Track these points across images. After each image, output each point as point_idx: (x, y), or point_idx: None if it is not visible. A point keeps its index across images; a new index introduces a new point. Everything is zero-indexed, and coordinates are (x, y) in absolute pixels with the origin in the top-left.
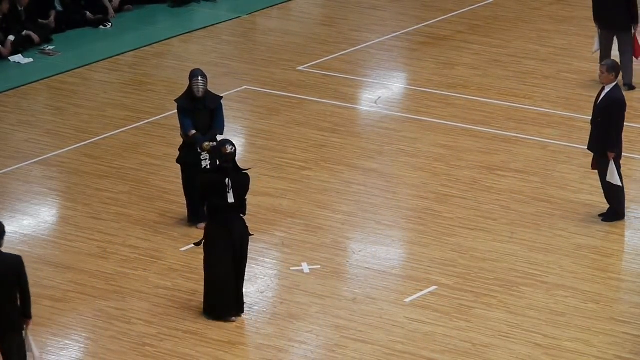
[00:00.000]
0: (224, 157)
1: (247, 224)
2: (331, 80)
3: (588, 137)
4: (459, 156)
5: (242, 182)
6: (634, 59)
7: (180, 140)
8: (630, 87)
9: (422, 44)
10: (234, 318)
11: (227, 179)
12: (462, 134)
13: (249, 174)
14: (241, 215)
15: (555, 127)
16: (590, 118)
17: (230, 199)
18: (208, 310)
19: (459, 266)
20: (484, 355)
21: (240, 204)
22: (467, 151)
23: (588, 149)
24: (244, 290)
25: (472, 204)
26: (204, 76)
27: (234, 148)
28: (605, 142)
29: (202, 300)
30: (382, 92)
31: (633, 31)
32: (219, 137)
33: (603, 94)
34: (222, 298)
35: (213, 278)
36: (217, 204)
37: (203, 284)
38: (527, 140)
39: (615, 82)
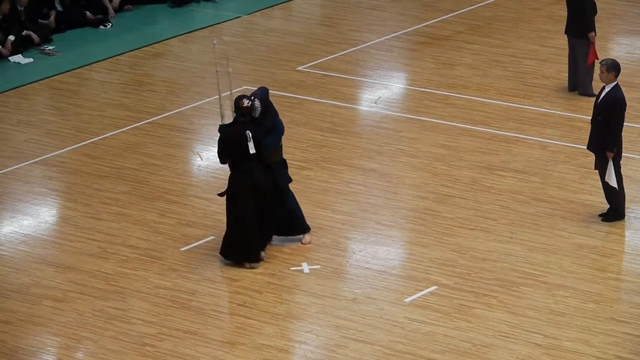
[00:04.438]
0: (241, 110)
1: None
2: (331, 80)
3: (588, 137)
4: (459, 156)
5: (260, 133)
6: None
7: None
8: (587, 95)
9: (422, 44)
10: (251, 265)
11: (247, 131)
12: (462, 134)
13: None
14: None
15: (555, 127)
16: (591, 117)
17: (252, 149)
18: (228, 254)
19: (459, 266)
20: (484, 355)
21: (259, 156)
22: (467, 151)
23: (587, 148)
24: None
25: (472, 204)
26: (256, 98)
27: (250, 102)
28: (605, 141)
29: (221, 245)
30: (382, 92)
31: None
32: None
33: (603, 93)
34: (243, 245)
35: (235, 227)
36: (239, 156)
37: (225, 230)
38: (527, 140)
39: (616, 82)
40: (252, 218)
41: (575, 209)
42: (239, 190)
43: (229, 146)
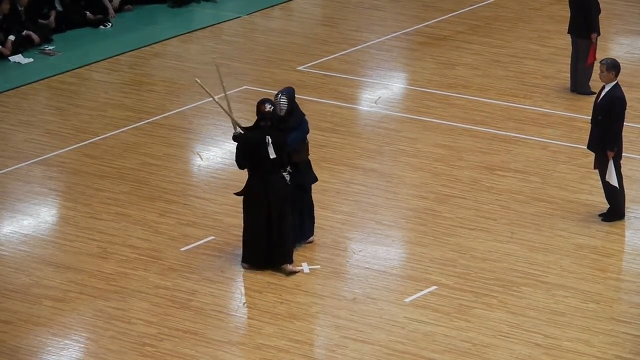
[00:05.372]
0: (263, 115)
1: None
2: (331, 80)
3: (588, 136)
4: (459, 156)
5: (282, 139)
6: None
7: None
8: (585, 93)
9: (422, 44)
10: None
11: (267, 137)
12: (462, 134)
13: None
14: (283, 170)
15: (555, 127)
16: (590, 117)
17: (272, 154)
18: (243, 258)
19: (459, 266)
20: (484, 355)
21: (280, 161)
22: (467, 151)
23: (588, 148)
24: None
25: (472, 204)
26: (283, 95)
27: (272, 107)
28: (605, 141)
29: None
30: (382, 92)
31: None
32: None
33: (603, 93)
34: (253, 248)
35: (247, 228)
36: (258, 160)
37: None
38: (527, 140)
39: (616, 81)
40: (261, 226)
41: (575, 209)
42: (253, 195)
43: (248, 151)
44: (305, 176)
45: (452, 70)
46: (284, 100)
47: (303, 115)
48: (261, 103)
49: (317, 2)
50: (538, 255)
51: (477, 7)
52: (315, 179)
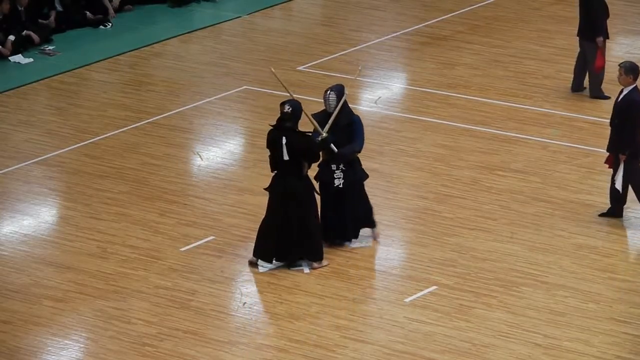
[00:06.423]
0: (283, 115)
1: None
2: (331, 80)
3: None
4: (459, 156)
5: (298, 142)
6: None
7: None
8: (599, 97)
9: (422, 44)
10: (266, 265)
11: (283, 137)
12: (462, 134)
13: (311, 137)
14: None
15: (555, 127)
16: (609, 119)
17: (285, 156)
18: (254, 251)
19: (459, 266)
20: (484, 355)
21: (296, 164)
22: (467, 151)
23: (607, 150)
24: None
25: (472, 204)
26: (333, 92)
27: (291, 108)
28: (619, 143)
29: None
30: (382, 92)
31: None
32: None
33: (621, 96)
34: (263, 242)
35: (262, 222)
36: (275, 159)
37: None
38: (527, 140)
39: (635, 85)
40: (275, 224)
41: (575, 209)
42: (273, 193)
43: (270, 146)
44: (361, 172)
45: (452, 70)
46: (332, 97)
47: (352, 112)
48: (282, 104)
49: (317, 2)
50: (538, 255)
51: (477, 7)
52: (367, 175)
